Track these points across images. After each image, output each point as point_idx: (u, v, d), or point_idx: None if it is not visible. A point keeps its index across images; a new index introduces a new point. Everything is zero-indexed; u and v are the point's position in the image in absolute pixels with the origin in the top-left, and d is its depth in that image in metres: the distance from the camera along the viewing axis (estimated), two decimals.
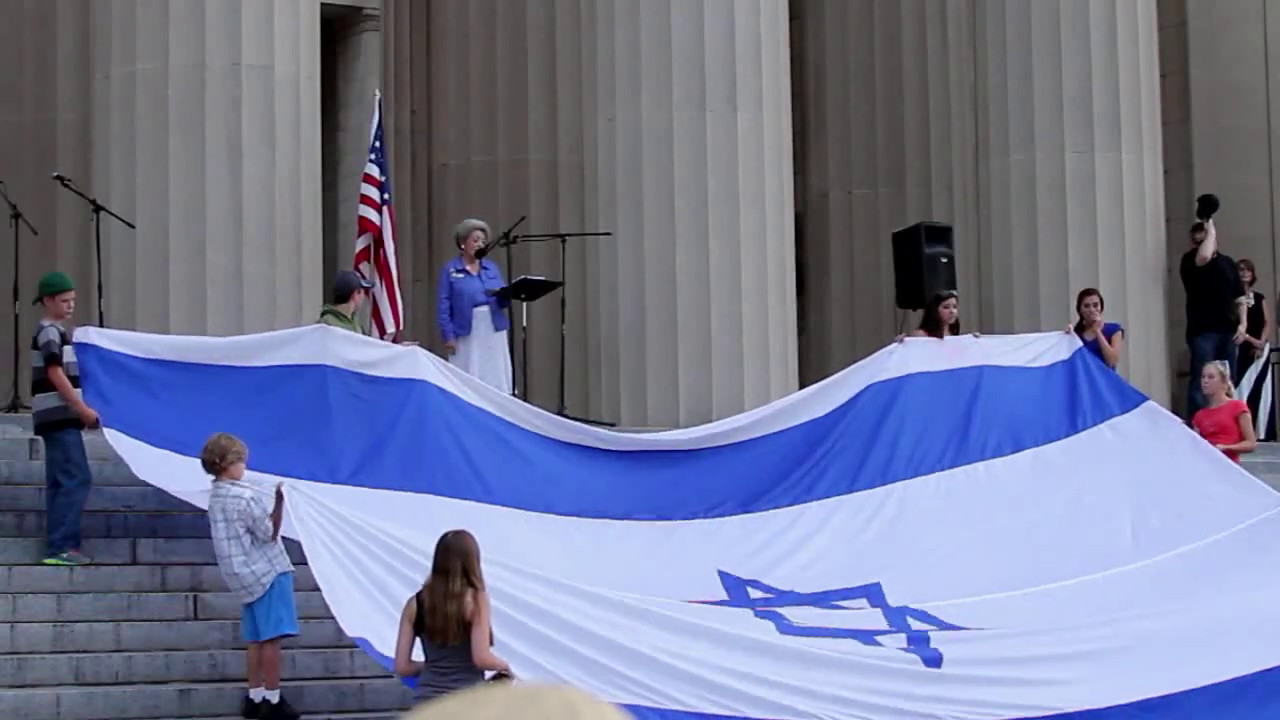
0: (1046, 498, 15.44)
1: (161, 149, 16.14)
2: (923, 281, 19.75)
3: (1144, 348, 19.74)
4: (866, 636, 13.15)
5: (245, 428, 13.52)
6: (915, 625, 13.52)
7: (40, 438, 14.34)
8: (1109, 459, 15.76)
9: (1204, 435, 16.48)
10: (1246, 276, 21.42)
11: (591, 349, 18.34)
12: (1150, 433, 16.00)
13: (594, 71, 18.45)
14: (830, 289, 23.69)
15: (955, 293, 18.06)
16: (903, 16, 23.52)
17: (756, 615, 13.37)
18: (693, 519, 14.80)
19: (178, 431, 13.80)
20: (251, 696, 12.85)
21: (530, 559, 13.22)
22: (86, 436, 13.99)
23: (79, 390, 13.98)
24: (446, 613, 10.55)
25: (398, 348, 15.13)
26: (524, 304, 17.67)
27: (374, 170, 17.53)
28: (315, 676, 13.55)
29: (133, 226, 15.94)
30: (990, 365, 16.31)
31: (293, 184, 16.41)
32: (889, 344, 16.56)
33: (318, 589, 12.39)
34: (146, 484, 14.03)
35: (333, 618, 12.40)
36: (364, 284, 16.42)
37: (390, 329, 17.04)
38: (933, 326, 17.17)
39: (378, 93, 18.76)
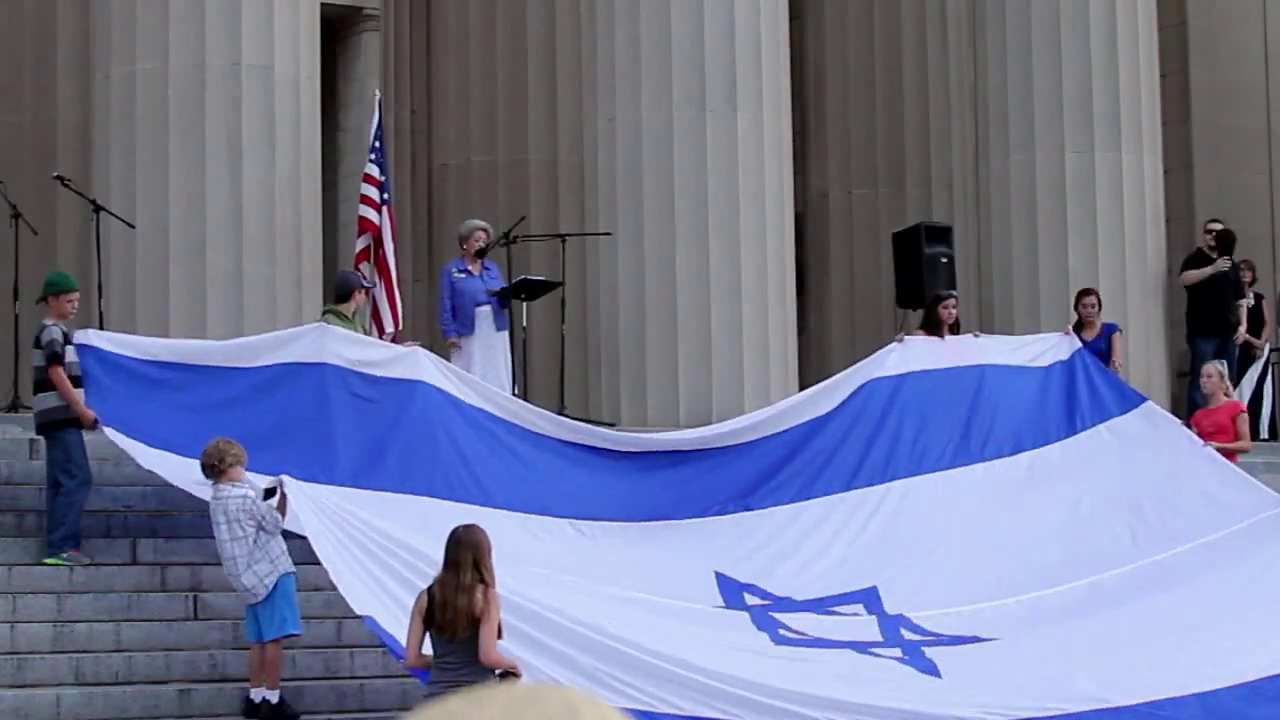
0: (1045, 499, 15.43)
1: (161, 149, 16.14)
2: (923, 281, 19.75)
3: (1144, 348, 19.74)
4: (862, 648, 13.12)
5: (245, 428, 13.53)
6: (909, 637, 13.49)
7: (41, 437, 14.34)
8: (1107, 461, 15.76)
9: (1202, 435, 16.48)
10: (1247, 277, 21.41)
11: (591, 349, 18.34)
12: (1149, 434, 16.00)
13: (594, 71, 18.45)
14: (830, 289, 23.69)
15: (955, 293, 18.06)
16: (903, 16, 23.52)
17: (753, 622, 13.34)
18: (692, 519, 14.80)
19: (176, 433, 13.80)
20: (252, 696, 12.85)
21: (527, 562, 13.21)
22: (87, 436, 13.99)
23: (80, 391, 13.99)
24: (456, 606, 10.55)
25: (398, 348, 15.12)
26: (524, 304, 17.67)
27: (374, 170, 17.54)
28: (315, 676, 13.55)
29: (133, 226, 15.94)
30: (990, 365, 16.32)
31: (293, 184, 16.40)
32: (889, 343, 16.57)
33: (318, 589, 12.40)
34: (147, 484, 14.04)
35: (334, 618, 12.42)
36: (364, 284, 16.43)
37: (390, 329, 17.05)
38: (932, 327, 17.18)
39: (378, 93, 18.76)
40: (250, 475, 12.96)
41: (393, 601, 11.86)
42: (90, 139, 17.31)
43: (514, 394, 16.29)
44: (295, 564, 12.82)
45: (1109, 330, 18.31)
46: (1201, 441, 16.18)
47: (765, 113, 17.99)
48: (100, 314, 15.80)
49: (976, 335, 17.24)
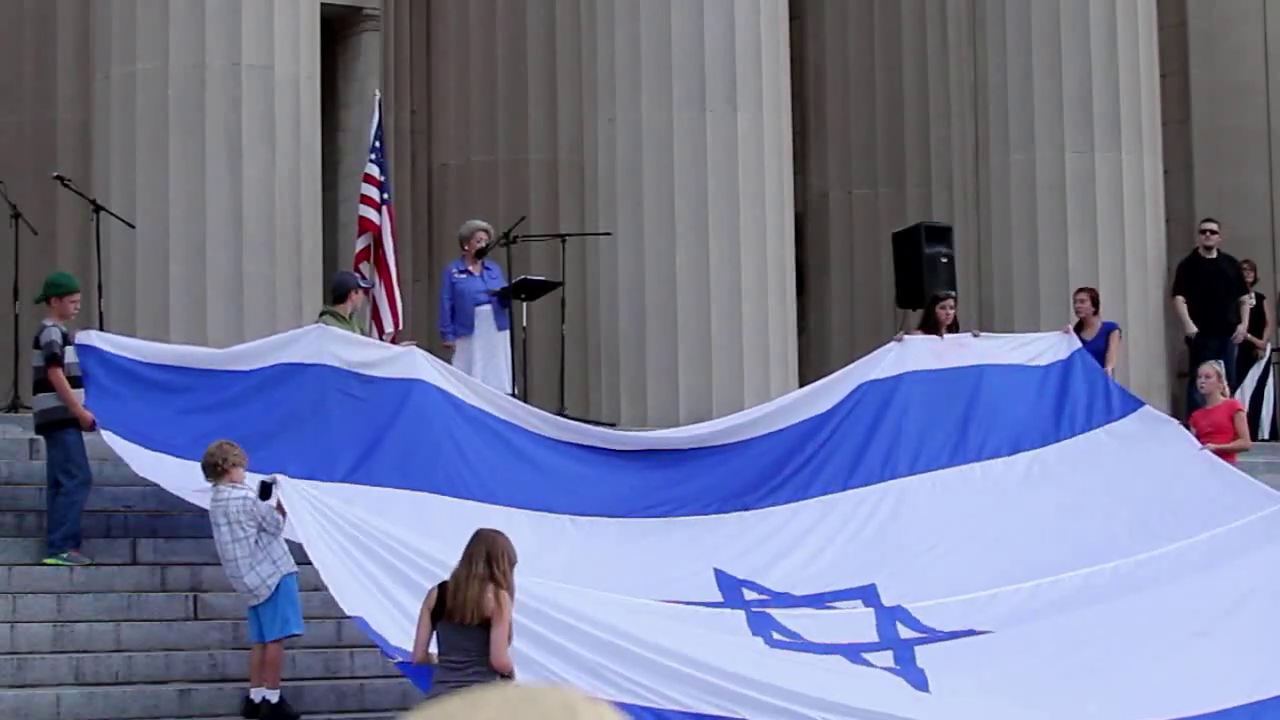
0: (1042, 500, 15.43)
1: (161, 149, 16.14)
2: (923, 281, 19.75)
3: (1144, 348, 19.74)
4: (854, 655, 13.08)
5: (243, 429, 13.54)
6: (904, 633, 13.46)
7: (41, 437, 14.34)
8: (1105, 464, 15.76)
9: (1201, 436, 16.47)
10: (1249, 277, 21.41)
11: (591, 349, 18.34)
12: (1147, 438, 16.00)
13: (594, 71, 18.45)
14: (830, 289, 23.68)
15: (953, 293, 18.08)
16: (903, 16, 23.52)
17: (749, 621, 13.33)
18: (690, 516, 14.81)
19: (176, 435, 13.81)
20: (252, 696, 12.85)
21: (527, 557, 13.21)
22: (87, 437, 13.99)
23: (79, 392, 13.99)
24: (466, 595, 10.55)
25: (396, 348, 15.14)
26: (524, 304, 17.67)
27: (374, 170, 17.54)
28: (315, 676, 13.55)
29: (133, 226, 15.94)
30: (989, 364, 16.32)
31: (293, 184, 16.40)
32: (888, 342, 16.57)
33: (318, 589, 12.39)
34: (146, 484, 14.04)
35: (334, 618, 12.41)
36: (362, 284, 16.42)
37: (390, 329, 17.05)
38: (931, 327, 17.19)
39: (378, 93, 18.76)
40: (252, 475, 12.95)
41: (387, 599, 11.86)
42: (90, 139, 17.31)
43: (513, 394, 16.29)
44: (296, 564, 12.82)
45: (1108, 329, 18.30)
46: (1199, 444, 16.18)
47: (765, 113, 17.99)
48: (100, 314, 15.80)
49: (976, 334, 17.24)
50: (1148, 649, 13.40)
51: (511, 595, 10.67)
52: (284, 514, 12.61)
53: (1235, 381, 20.00)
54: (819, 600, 13.96)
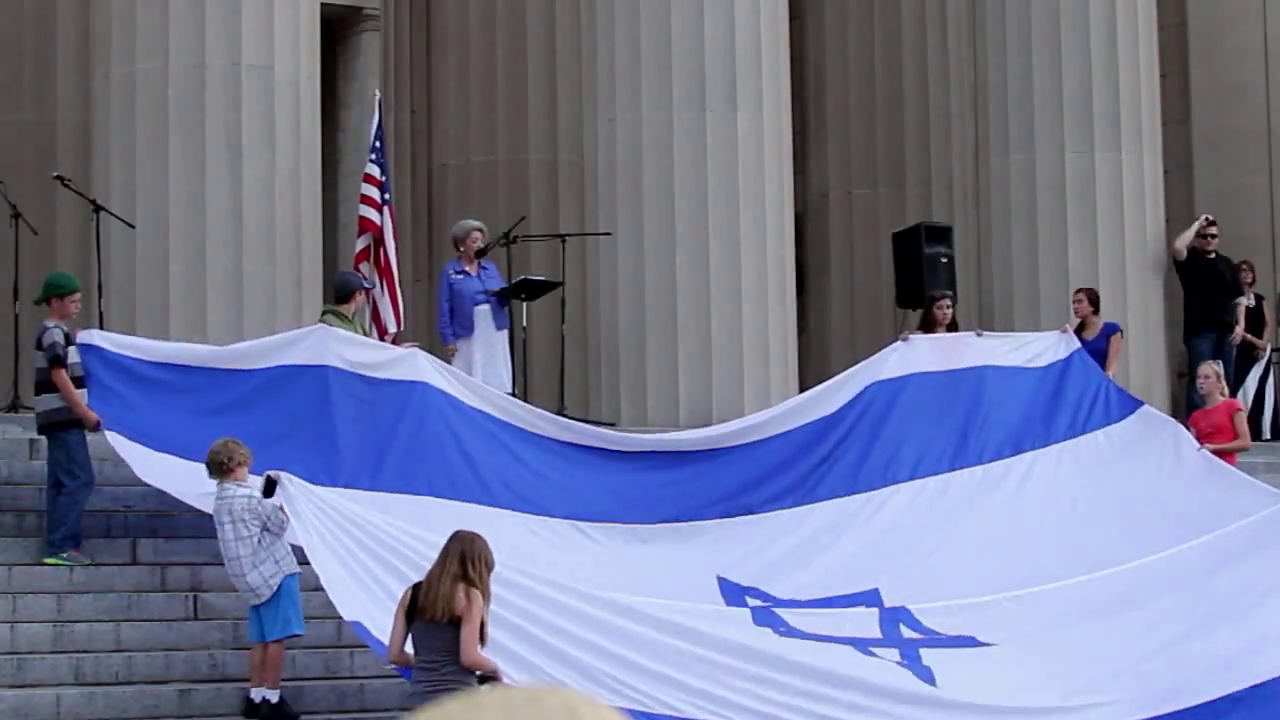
0: (1043, 503, 15.42)
1: (161, 149, 16.14)
2: (923, 281, 19.75)
3: (1143, 348, 19.74)
4: (862, 646, 13.11)
5: (247, 429, 13.53)
6: (907, 634, 13.46)
7: (42, 437, 14.33)
8: (1105, 466, 15.76)
9: (1200, 436, 16.46)
10: (1247, 278, 21.41)
11: (591, 349, 18.34)
12: (1146, 439, 15.99)
13: (594, 71, 18.45)
14: (830, 289, 23.68)
15: (949, 293, 18.11)
16: (903, 16, 23.52)
17: (754, 619, 13.32)
18: (693, 521, 14.79)
19: (179, 435, 13.79)
20: (252, 696, 12.85)
21: (529, 561, 13.21)
22: (90, 437, 13.98)
23: (82, 392, 13.98)
24: (438, 591, 10.58)
25: (398, 350, 15.13)
26: (524, 304, 17.67)
27: (374, 170, 17.53)
28: (315, 676, 13.55)
29: (133, 226, 15.94)
30: (991, 366, 16.31)
31: (293, 184, 16.40)
32: (891, 343, 16.56)
33: (318, 589, 12.39)
34: (147, 484, 14.03)
35: (334, 618, 12.41)
36: (364, 284, 16.42)
37: (391, 329, 17.04)
38: (929, 327, 17.21)
39: (378, 93, 18.76)
40: (255, 477, 12.94)
41: (390, 600, 11.85)
42: (90, 139, 17.30)
43: (513, 394, 16.29)
44: (298, 564, 12.82)
45: (1109, 330, 18.29)
46: (1199, 444, 16.16)
47: (765, 113, 17.99)
48: (100, 314, 15.80)
49: (979, 333, 17.24)
50: (1149, 651, 13.38)
51: (486, 597, 10.68)
52: (287, 514, 12.61)
53: (1235, 382, 20.00)
54: (823, 604, 13.95)
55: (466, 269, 17.25)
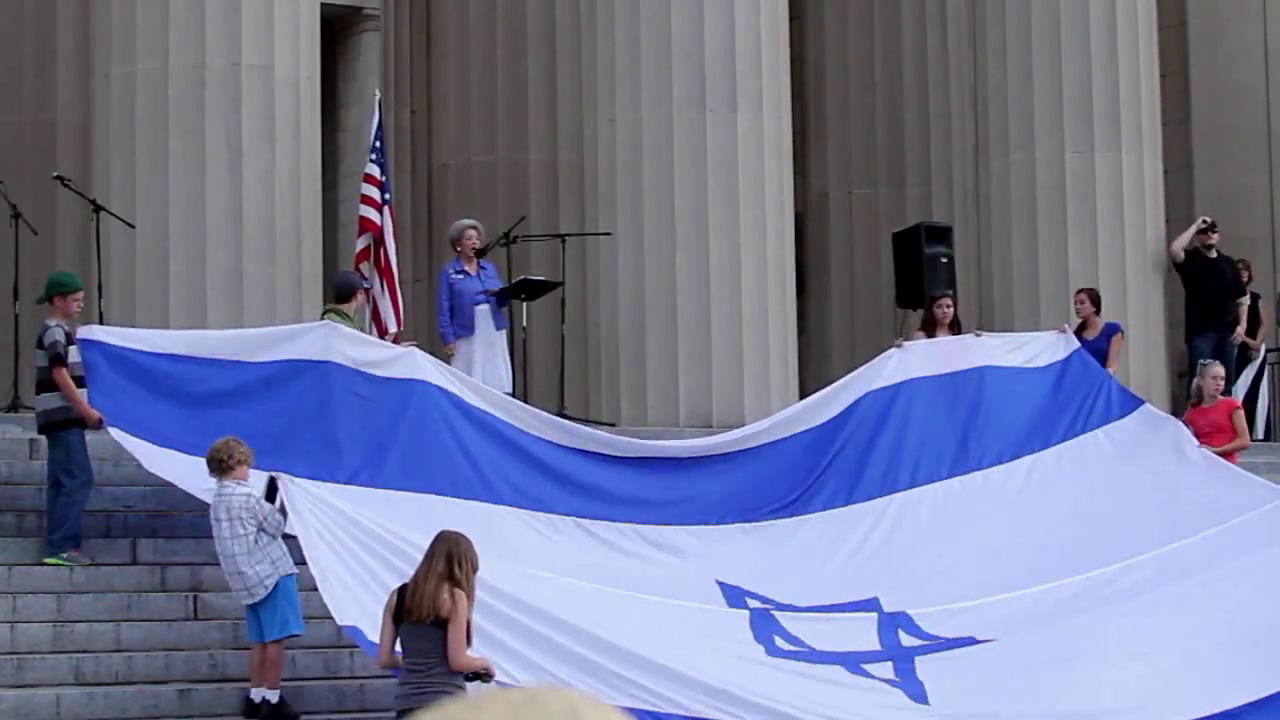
0: (1044, 506, 15.39)
1: (161, 149, 16.14)
2: (923, 281, 19.76)
3: (1144, 348, 19.74)
4: (853, 665, 13.03)
5: (250, 424, 13.53)
6: (906, 641, 13.41)
7: (42, 437, 14.32)
8: (1105, 466, 15.73)
9: (1199, 435, 16.42)
10: (1245, 277, 21.41)
11: (591, 349, 18.34)
12: (1146, 438, 15.97)
13: (594, 71, 18.45)
14: (830, 289, 23.68)
15: (949, 292, 18.10)
16: (903, 16, 23.52)
17: (752, 623, 13.28)
18: (693, 526, 14.76)
19: (182, 430, 13.78)
20: (252, 696, 12.85)
21: (531, 558, 13.21)
22: (89, 436, 13.98)
23: (83, 390, 13.97)
24: (423, 591, 10.57)
25: (398, 348, 15.12)
26: (524, 304, 17.67)
27: (374, 170, 17.52)
28: (315, 676, 13.55)
29: (133, 226, 15.94)
30: (990, 366, 16.28)
31: (293, 184, 16.41)
32: (888, 349, 16.48)
33: (317, 589, 12.38)
34: (147, 484, 14.03)
35: (333, 618, 12.39)
36: (364, 284, 16.42)
37: (391, 329, 17.04)
38: (931, 327, 17.19)
39: (378, 93, 18.75)
40: (257, 474, 12.94)
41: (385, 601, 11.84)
42: (90, 139, 17.31)
43: (512, 394, 16.28)
44: (295, 564, 12.81)
45: (1110, 330, 18.29)
46: (1198, 443, 16.14)
47: (765, 113, 17.99)
48: (100, 314, 15.80)
49: (978, 334, 17.21)
50: (1150, 652, 13.35)
51: (471, 597, 10.67)
52: (286, 516, 12.61)
53: (1231, 382, 19.99)
54: (821, 610, 13.90)
55: (466, 269, 17.25)
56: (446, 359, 16.54)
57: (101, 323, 15.47)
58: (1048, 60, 19.97)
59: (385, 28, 24.44)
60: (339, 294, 15.98)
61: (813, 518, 15.01)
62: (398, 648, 10.85)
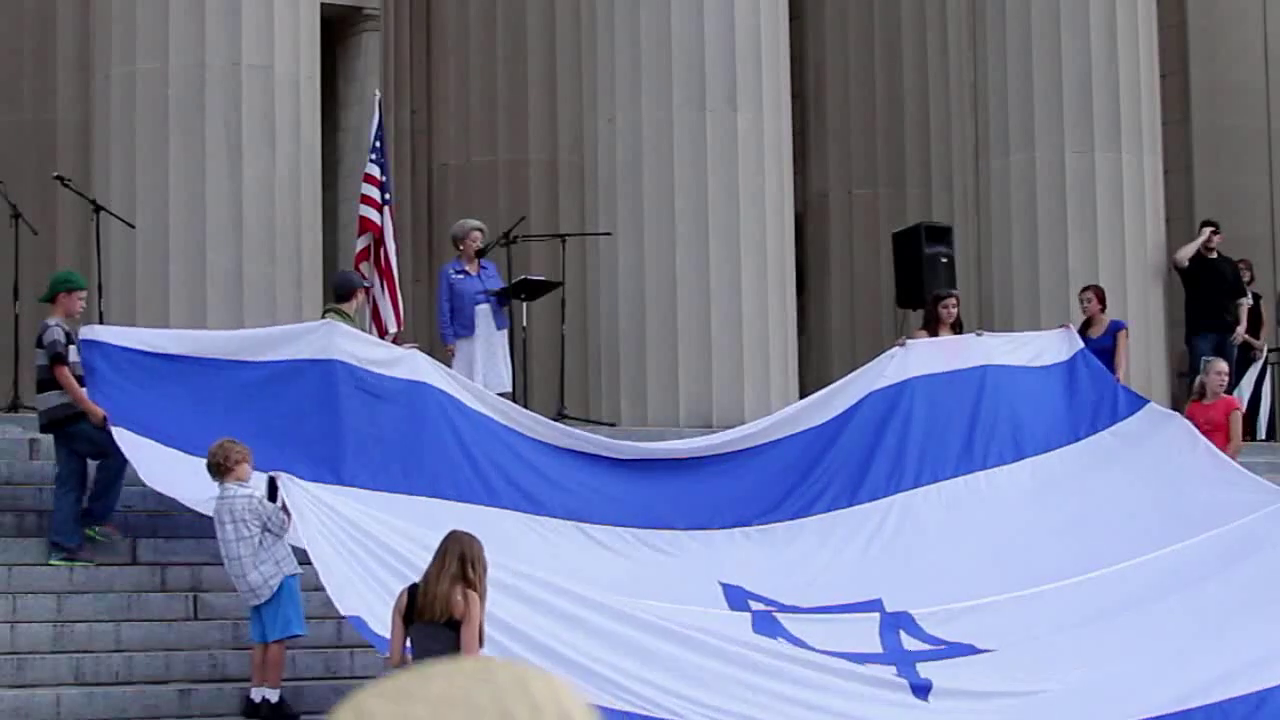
0: (1048, 507, 15.35)
1: (161, 149, 16.14)
2: (923, 281, 19.75)
3: (1144, 347, 19.73)
4: (858, 659, 13.05)
5: (253, 424, 13.53)
6: (908, 643, 13.39)
7: (43, 437, 14.32)
8: (1110, 468, 15.69)
9: (1198, 430, 16.40)
10: (1245, 277, 21.41)
11: (591, 349, 18.34)
12: (1151, 438, 15.93)
13: (594, 71, 18.46)
14: (830, 289, 23.68)
15: (955, 292, 18.06)
16: (903, 16, 23.52)
17: (754, 624, 13.27)
18: (694, 529, 14.73)
19: (185, 430, 13.76)
20: (252, 696, 12.85)
21: (533, 561, 13.20)
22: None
23: (84, 389, 13.97)
24: (436, 592, 10.56)
25: (399, 350, 15.13)
26: (524, 304, 17.67)
27: (374, 170, 17.52)
28: (315, 676, 13.55)
29: (133, 226, 15.94)
30: (993, 365, 16.25)
31: (293, 184, 16.41)
32: (890, 348, 16.47)
33: (319, 589, 12.39)
34: (149, 485, 14.02)
35: (334, 618, 12.41)
36: (364, 283, 16.43)
37: (391, 329, 17.04)
38: (933, 326, 17.17)
39: (378, 93, 18.75)
40: (259, 474, 12.93)
41: (387, 592, 11.83)
42: (90, 139, 17.31)
43: (513, 394, 16.29)
44: (299, 565, 12.81)
45: (1115, 328, 18.26)
46: (1203, 438, 16.10)
47: (765, 113, 17.99)
48: (100, 314, 15.79)
49: (979, 334, 17.20)
50: (1151, 653, 13.35)
51: (483, 599, 10.66)
52: (289, 515, 12.60)
53: (1233, 383, 19.99)
54: (824, 611, 13.88)
55: (466, 269, 17.25)
56: (447, 359, 16.55)
57: (101, 323, 15.47)
58: (1048, 60, 19.97)
59: (385, 28, 24.44)
60: (339, 294, 15.99)
61: (816, 519, 14.98)
62: (407, 646, 10.84)
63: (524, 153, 21.57)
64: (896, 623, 13.60)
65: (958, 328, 17.30)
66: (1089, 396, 16.25)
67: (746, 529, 14.83)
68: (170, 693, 13.03)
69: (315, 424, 14.14)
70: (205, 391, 14.14)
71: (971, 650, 13.38)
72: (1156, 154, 20.37)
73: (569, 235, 18.70)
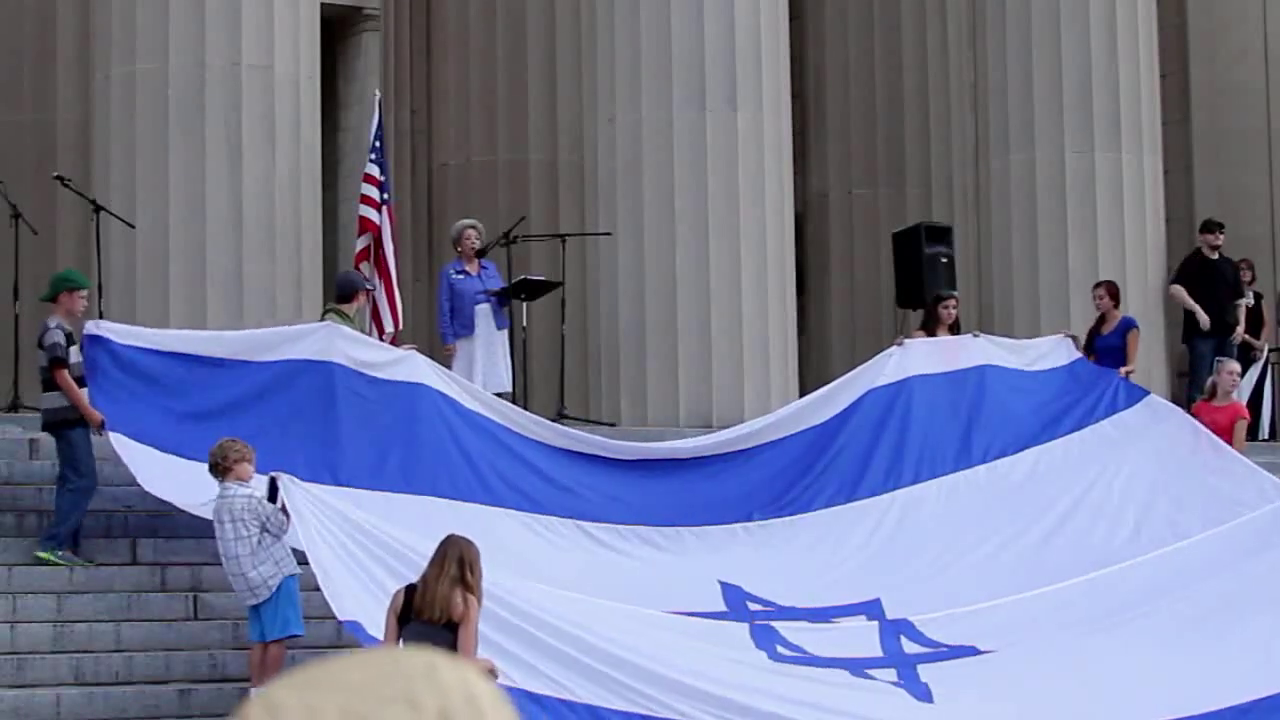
0: (1048, 497, 15.37)
1: (161, 149, 16.14)
2: (923, 281, 19.75)
3: (1144, 347, 19.69)
4: (857, 669, 13.02)
5: (252, 425, 13.53)
6: (908, 648, 13.37)
7: (43, 436, 14.31)
8: (1111, 459, 15.68)
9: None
10: (1246, 277, 21.41)
11: (591, 349, 18.34)
12: (1152, 426, 15.94)
13: (594, 71, 18.46)
14: (830, 289, 23.68)
15: (955, 293, 18.06)
16: (903, 17, 23.52)
17: (753, 635, 13.25)
18: (694, 527, 14.74)
19: (184, 434, 13.77)
20: (252, 696, 12.83)
21: (531, 562, 13.20)
22: (93, 438, 13.96)
23: (85, 390, 13.95)
24: (435, 592, 10.59)
25: (398, 351, 15.14)
26: (524, 304, 17.67)
27: (374, 170, 17.52)
28: None
29: (133, 226, 15.94)
30: (991, 365, 16.28)
31: (293, 184, 16.41)
32: (888, 347, 16.49)
33: (318, 589, 12.39)
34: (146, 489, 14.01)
35: (334, 618, 12.41)
36: (366, 285, 16.42)
37: (390, 329, 17.04)
38: (932, 326, 17.18)
39: (378, 93, 18.76)
40: (259, 476, 12.92)
41: (386, 596, 11.83)
42: (90, 139, 17.31)
43: (513, 394, 16.29)
44: (297, 565, 12.82)
45: (1126, 325, 18.21)
46: (1205, 429, 16.07)
47: (765, 113, 18.00)
48: (100, 314, 15.77)
49: (976, 335, 17.22)
50: (1152, 654, 13.33)
51: (480, 603, 10.70)
52: (288, 517, 12.60)
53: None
54: (824, 615, 13.84)
55: (466, 269, 17.26)
56: (447, 359, 16.55)
57: None
58: (1048, 60, 19.97)
59: (385, 28, 24.44)
60: (340, 294, 15.98)
61: (815, 515, 15.00)
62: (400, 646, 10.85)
63: (524, 153, 21.57)
64: (896, 629, 13.58)
65: (955, 328, 17.30)
66: (1088, 390, 16.27)
67: (748, 525, 14.84)
68: (170, 693, 13.03)
69: (313, 423, 14.15)
70: (205, 392, 14.15)
71: (973, 651, 13.36)
72: (1156, 154, 20.37)
73: (569, 235, 18.71)
